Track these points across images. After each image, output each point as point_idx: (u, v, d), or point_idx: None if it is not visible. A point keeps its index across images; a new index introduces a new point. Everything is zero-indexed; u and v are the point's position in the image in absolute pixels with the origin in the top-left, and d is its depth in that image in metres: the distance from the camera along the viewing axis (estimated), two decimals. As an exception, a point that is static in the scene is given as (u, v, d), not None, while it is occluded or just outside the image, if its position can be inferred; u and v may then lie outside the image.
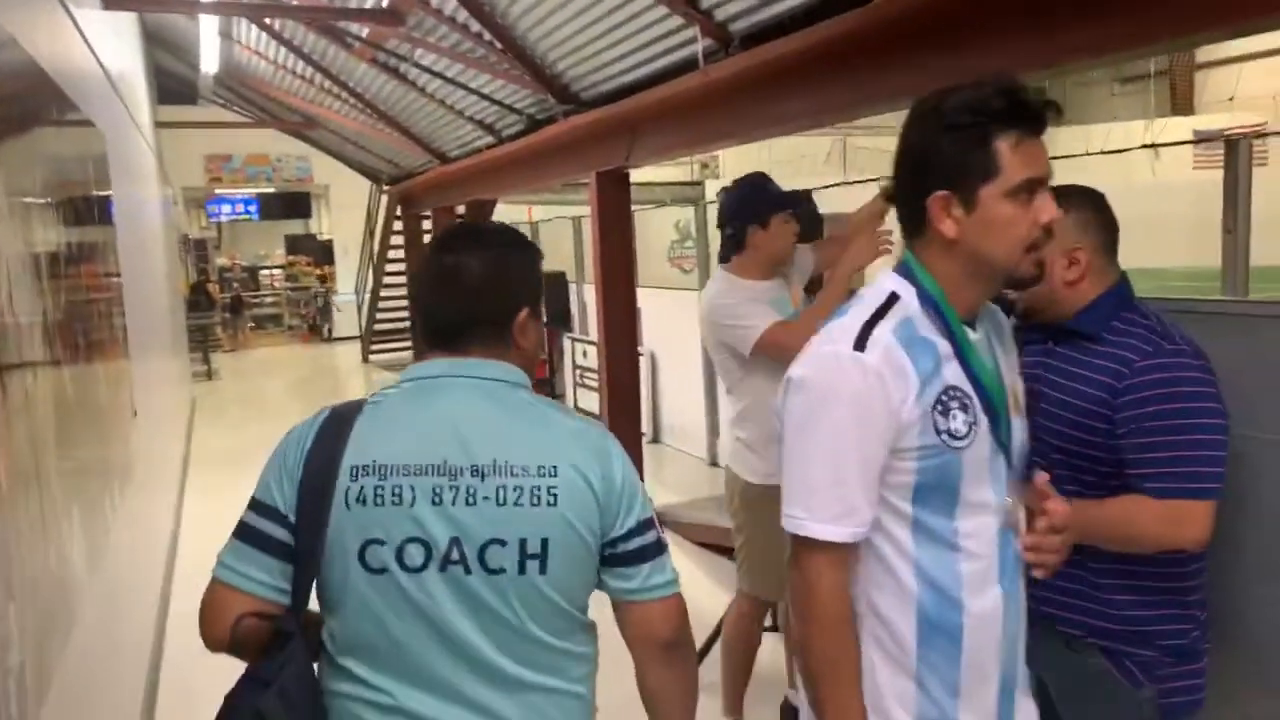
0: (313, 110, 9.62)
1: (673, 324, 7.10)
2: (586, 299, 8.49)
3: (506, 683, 1.23)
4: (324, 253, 18.86)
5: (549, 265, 1.73)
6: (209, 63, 8.74)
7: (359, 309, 16.21)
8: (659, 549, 1.28)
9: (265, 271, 19.24)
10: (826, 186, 6.61)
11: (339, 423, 1.27)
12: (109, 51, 4.74)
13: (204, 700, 1.35)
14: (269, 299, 18.81)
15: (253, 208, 19.01)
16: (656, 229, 11.64)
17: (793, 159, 11.96)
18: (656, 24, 4.07)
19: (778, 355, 2.44)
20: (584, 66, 4.92)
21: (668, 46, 4.19)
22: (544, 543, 1.21)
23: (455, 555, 1.20)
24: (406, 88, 7.09)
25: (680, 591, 1.31)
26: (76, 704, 2.06)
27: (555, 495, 1.21)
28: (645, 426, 7.65)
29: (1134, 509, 1.51)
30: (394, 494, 1.21)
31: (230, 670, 1.25)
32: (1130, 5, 2.24)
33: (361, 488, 1.22)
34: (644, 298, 7.79)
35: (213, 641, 1.24)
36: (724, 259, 2.84)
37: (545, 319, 1.50)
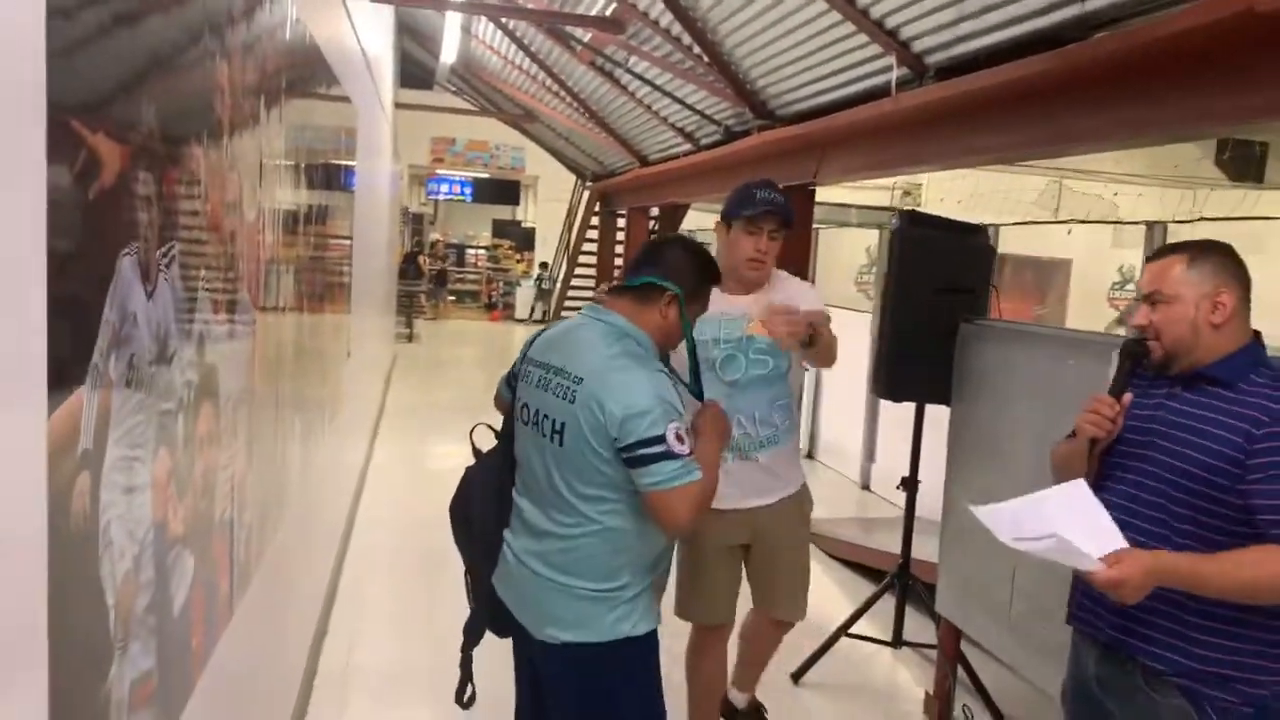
0: (532, 104, 10.33)
1: (843, 344, 7.15)
2: (762, 308, 8.63)
3: (556, 505, 1.86)
4: (525, 239, 19.97)
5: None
6: (448, 53, 9.57)
7: (546, 293, 17.12)
8: (654, 459, 1.74)
9: (471, 250, 20.57)
10: (1018, 223, 6.48)
11: (540, 332, 2.03)
12: (369, 37, 5.40)
13: (375, 611, 1.70)
14: (470, 276, 20.10)
15: (467, 190, 20.32)
16: (850, 250, 11.61)
17: (998, 192, 11.56)
18: (856, 50, 4.24)
19: None
20: (782, 85, 5.14)
21: (864, 72, 4.35)
22: (563, 425, 1.82)
23: (538, 419, 1.88)
24: (618, 91, 7.54)
25: (671, 489, 1.75)
26: (279, 576, 2.50)
27: (574, 396, 1.80)
28: (801, 440, 7.74)
29: (1261, 558, 1.53)
30: (528, 376, 1.94)
31: (394, 597, 1.61)
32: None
33: (523, 369, 1.96)
34: (818, 313, 7.90)
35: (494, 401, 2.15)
36: None
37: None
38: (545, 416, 1.86)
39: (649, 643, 1.91)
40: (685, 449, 1.76)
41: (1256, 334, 1.71)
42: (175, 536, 1.36)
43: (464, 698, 2.02)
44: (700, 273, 1.94)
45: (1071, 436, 1.90)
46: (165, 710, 1.34)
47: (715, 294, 2.45)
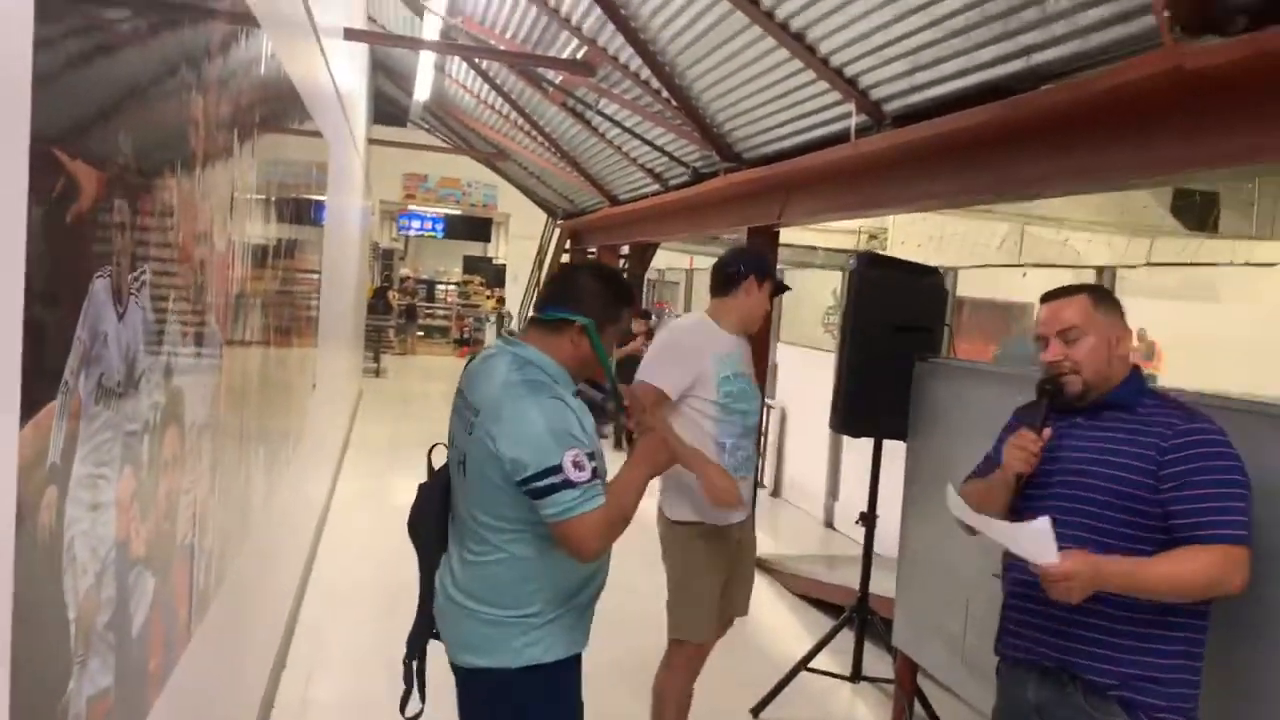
0: (504, 143, 10.45)
1: (808, 383, 7.26)
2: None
3: (467, 533, 1.90)
4: (496, 276, 20.02)
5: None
6: (422, 91, 9.68)
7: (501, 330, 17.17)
8: (552, 489, 1.73)
9: (441, 286, 20.56)
10: (975, 267, 6.66)
11: (468, 363, 2.04)
12: (342, 74, 5.47)
13: (334, 646, 1.73)
14: (440, 312, 20.09)
15: (439, 226, 20.34)
16: (817, 292, 11.78)
17: (958, 235, 11.81)
18: (817, 97, 4.37)
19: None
20: (748, 129, 5.27)
21: (825, 118, 4.48)
22: (465, 455, 1.86)
23: (451, 448, 1.95)
24: (588, 132, 7.67)
25: (572, 518, 1.74)
26: (239, 604, 2.50)
27: (473, 427, 1.84)
28: (767, 479, 7.80)
29: (1186, 556, 1.67)
30: (454, 407, 1.97)
31: (353, 633, 1.63)
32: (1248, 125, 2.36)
33: (453, 403, 1.98)
34: (784, 352, 8.01)
35: None
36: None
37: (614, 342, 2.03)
38: (455, 446, 1.92)
39: (565, 668, 1.88)
40: (584, 475, 1.73)
41: (1136, 366, 1.89)
42: (137, 556, 1.38)
43: (407, 709, 1.99)
44: (612, 299, 1.92)
45: (973, 476, 2.04)
46: (122, 728, 1.35)
47: (717, 332, 2.77)
